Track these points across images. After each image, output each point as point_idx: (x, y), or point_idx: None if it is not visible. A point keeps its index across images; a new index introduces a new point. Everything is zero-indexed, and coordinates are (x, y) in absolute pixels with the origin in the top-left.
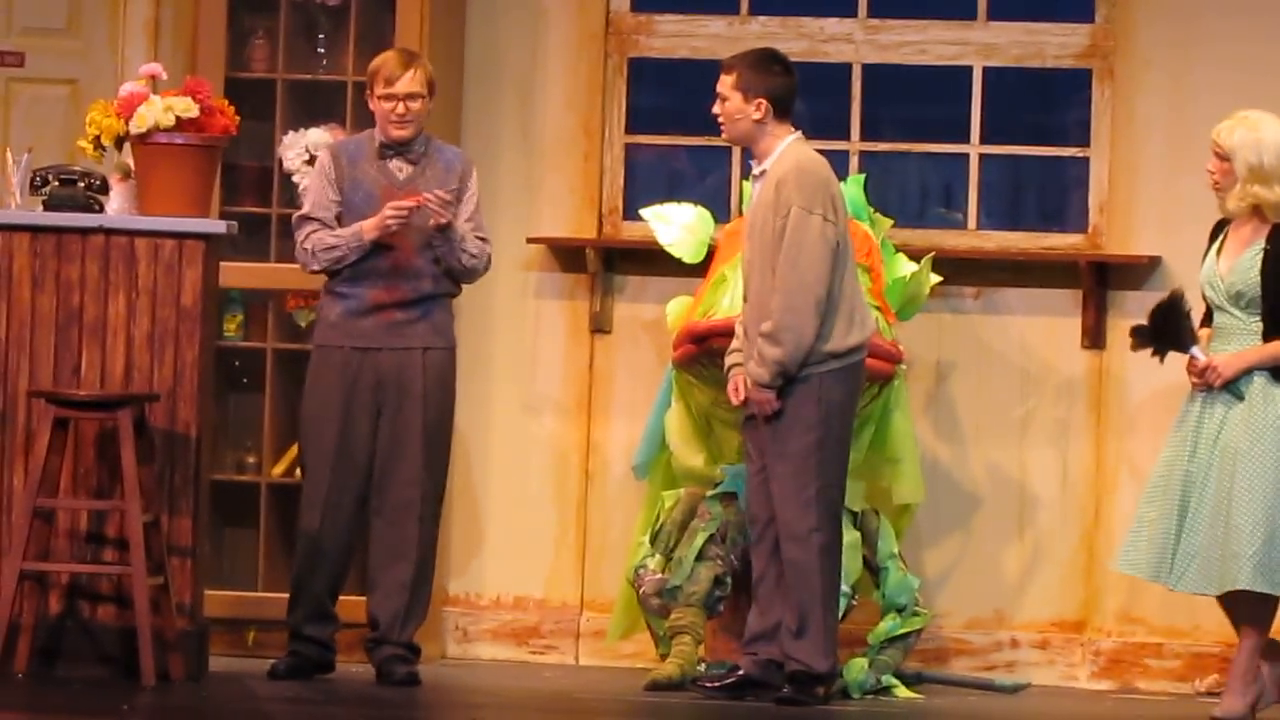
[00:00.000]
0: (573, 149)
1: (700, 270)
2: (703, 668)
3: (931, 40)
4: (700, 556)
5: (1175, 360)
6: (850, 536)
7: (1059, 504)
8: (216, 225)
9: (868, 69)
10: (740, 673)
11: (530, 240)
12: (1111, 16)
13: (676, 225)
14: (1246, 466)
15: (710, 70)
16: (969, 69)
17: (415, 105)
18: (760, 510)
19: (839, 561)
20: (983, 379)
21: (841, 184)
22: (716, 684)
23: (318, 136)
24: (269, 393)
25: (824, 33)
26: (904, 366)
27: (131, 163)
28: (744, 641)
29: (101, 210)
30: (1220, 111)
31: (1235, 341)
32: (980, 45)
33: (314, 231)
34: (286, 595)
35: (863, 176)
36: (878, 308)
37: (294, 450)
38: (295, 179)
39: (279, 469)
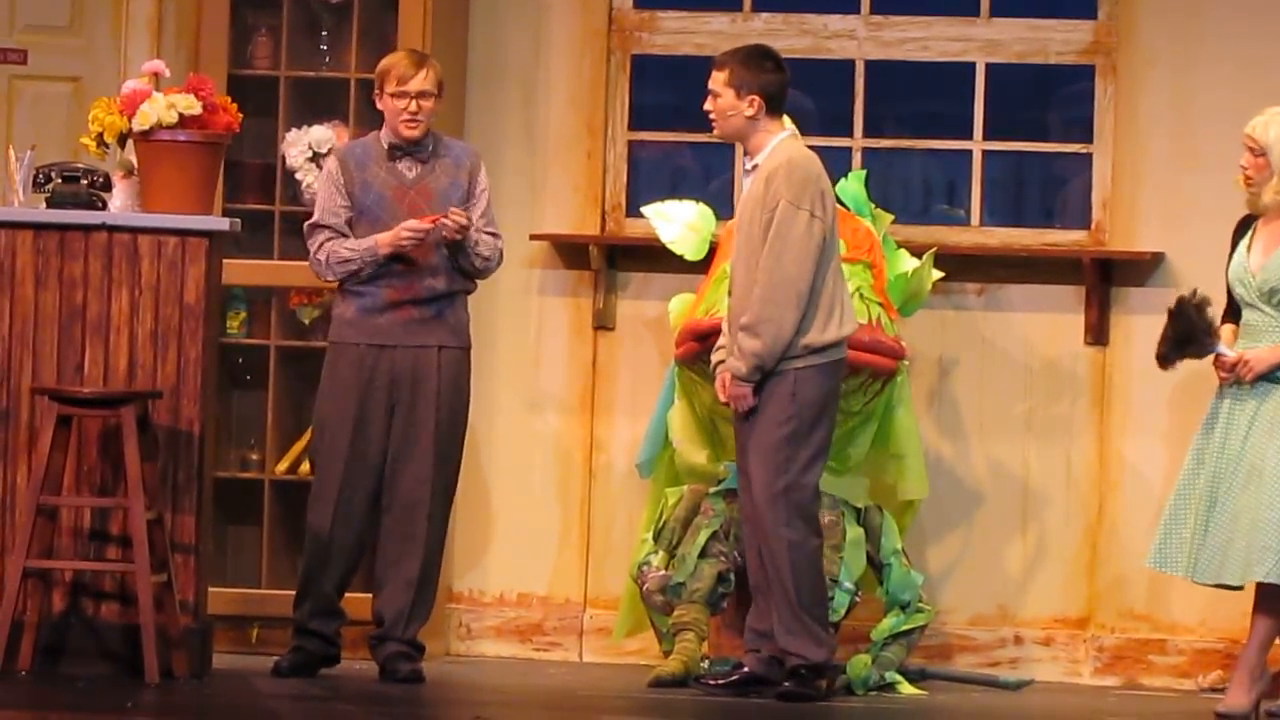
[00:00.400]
0: (576, 146)
1: (702, 267)
2: (706, 665)
3: (934, 37)
4: (703, 553)
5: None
6: (854, 532)
7: (1062, 500)
8: (219, 222)
9: (871, 65)
10: (744, 670)
11: (533, 237)
12: (1114, 13)
13: (678, 222)
14: (1276, 461)
15: None
16: (972, 65)
17: (427, 104)
18: (750, 507)
19: (811, 556)
20: (986, 375)
21: (843, 180)
22: (720, 681)
23: (321, 133)
24: (272, 390)
25: (827, 29)
26: (907, 362)
27: (134, 160)
28: (746, 639)
29: (104, 207)
30: (1223, 108)
31: (1266, 338)
32: (983, 42)
33: (327, 240)
34: (290, 592)
35: (865, 173)
36: (880, 304)
37: (297, 447)
38: (298, 176)
39: (282, 466)
